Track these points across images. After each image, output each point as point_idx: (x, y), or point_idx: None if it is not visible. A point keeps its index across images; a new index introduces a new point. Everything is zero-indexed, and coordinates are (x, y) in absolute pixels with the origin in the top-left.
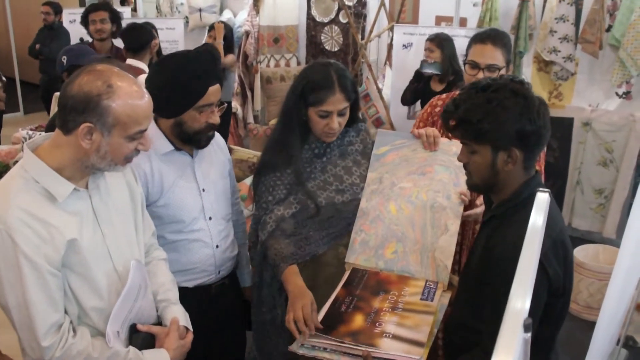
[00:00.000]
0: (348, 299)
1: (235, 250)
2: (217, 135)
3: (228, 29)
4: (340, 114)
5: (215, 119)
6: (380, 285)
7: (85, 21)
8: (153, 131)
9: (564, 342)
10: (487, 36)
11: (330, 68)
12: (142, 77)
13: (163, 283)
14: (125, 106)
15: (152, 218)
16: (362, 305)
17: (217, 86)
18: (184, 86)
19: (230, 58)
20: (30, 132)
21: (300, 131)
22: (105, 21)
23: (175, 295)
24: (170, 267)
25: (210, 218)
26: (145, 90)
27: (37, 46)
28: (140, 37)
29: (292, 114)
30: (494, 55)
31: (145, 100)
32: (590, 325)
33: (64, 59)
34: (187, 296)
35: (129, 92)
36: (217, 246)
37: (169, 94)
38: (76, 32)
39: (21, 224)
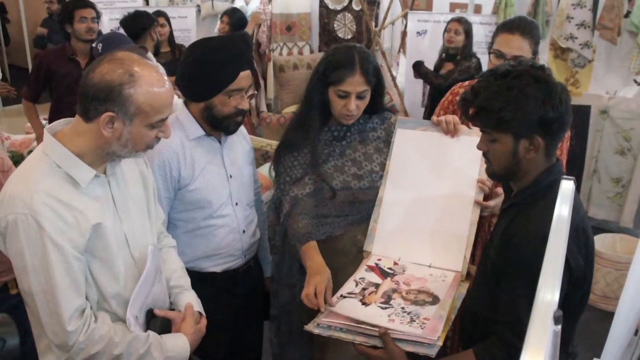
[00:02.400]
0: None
1: (258, 234)
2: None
3: (239, 17)
4: (359, 96)
5: (245, 104)
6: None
7: (68, 17)
8: (184, 116)
9: (579, 332)
10: (515, 26)
11: (355, 50)
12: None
13: (175, 269)
14: (147, 95)
15: (183, 203)
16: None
17: (248, 72)
18: (215, 69)
19: None
20: (44, 122)
21: (321, 112)
22: (95, 20)
23: (187, 281)
24: (198, 253)
25: (236, 204)
26: (166, 77)
27: (43, 30)
28: (137, 23)
29: (314, 94)
30: (521, 46)
31: (166, 88)
32: (607, 315)
33: (99, 47)
34: (216, 280)
35: (151, 80)
36: (243, 231)
37: (200, 77)
38: None
39: (47, 209)
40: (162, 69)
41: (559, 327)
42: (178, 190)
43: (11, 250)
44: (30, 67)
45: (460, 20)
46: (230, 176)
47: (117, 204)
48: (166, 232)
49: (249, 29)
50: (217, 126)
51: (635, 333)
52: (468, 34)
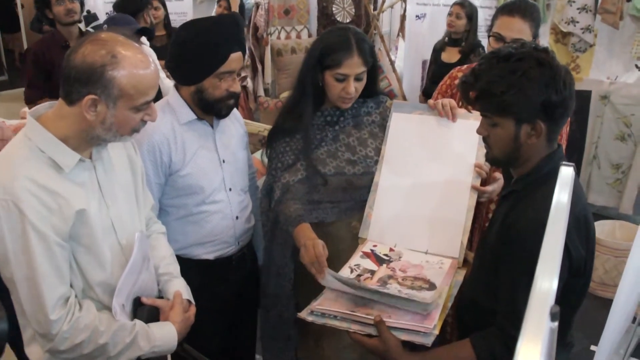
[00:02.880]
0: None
1: (252, 221)
2: (235, 109)
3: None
4: (357, 78)
5: (237, 87)
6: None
7: (46, 3)
8: (175, 100)
9: (578, 319)
10: (515, 8)
11: (349, 32)
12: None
13: (164, 256)
14: (131, 77)
15: (174, 189)
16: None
17: (239, 54)
18: (205, 52)
19: None
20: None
21: (314, 96)
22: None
23: (176, 269)
24: (190, 239)
25: (230, 189)
26: (150, 59)
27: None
28: (129, 6)
29: (307, 79)
30: (521, 29)
31: (151, 70)
32: (605, 303)
33: (105, 28)
34: (209, 268)
35: (134, 62)
36: (236, 217)
37: (190, 59)
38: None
39: (28, 194)
40: (148, 50)
41: (556, 323)
42: (169, 175)
43: None
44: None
45: (462, 4)
46: (223, 161)
47: (103, 190)
48: (155, 218)
49: (219, 10)
50: (209, 110)
51: (633, 320)
52: (471, 18)
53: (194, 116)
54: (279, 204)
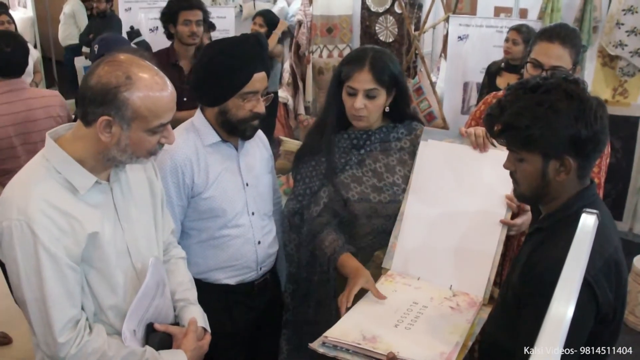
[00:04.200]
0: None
1: (276, 246)
2: (261, 132)
3: (271, 17)
4: (369, 95)
5: (261, 107)
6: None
7: (173, 19)
8: (199, 121)
9: (619, 356)
10: (555, 34)
11: (369, 49)
12: None
13: (181, 282)
14: (145, 99)
15: (197, 212)
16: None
17: (262, 74)
18: (228, 72)
19: (278, 47)
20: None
21: (339, 115)
22: (200, 23)
23: (193, 295)
24: (210, 263)
25: (253, 213)
26: (168, 82)
27: (91, 36)
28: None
29: (332, 95)
30: (560, 56)
31: (167, 93)
32: None
33: (96, 48)
34: (231, 293)
35: (149, 84)
36: (259, 242)
37: (213, 80)
38: (130, 20)
39: (41, 215)
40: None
41: None
42: (191, 197)
43: (6, 258)
44: (54, 58)
45: (519, 30)
46: (247, 184)
47: (119, 212)
48: (175, 242)
49: (253, 27)
50: (233, 131)
51: None
52: (529, 43)
53: (218, 138)
54: (312, 240)
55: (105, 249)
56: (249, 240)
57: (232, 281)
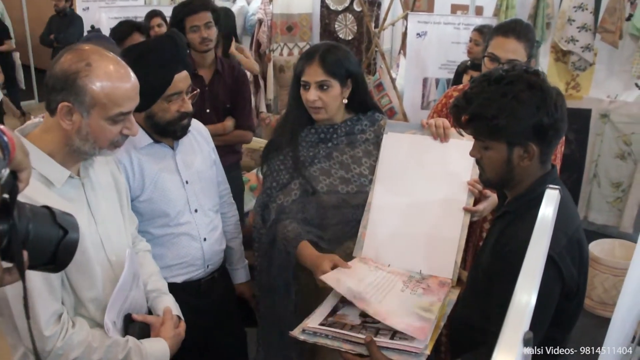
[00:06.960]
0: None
1: (223, 243)
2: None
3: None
4: (320, 86)
5: (187, 106)
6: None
7: (180, 27)
8: None
9: (576, 339)
10: (510, 29)
11: (322, 44)
12: None
13: (152, 273)
14: (104, 86)
15: (137, 214)
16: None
17: (184, 73)
18: (148, 77)
19: (254, 65)
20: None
21: (302, 110)
22: (210, 25)
23: (164, 285)
24: (157, 264)
25: (196, 210)
26: (131, 72)
27: (52, 36)
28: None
29: (294, 92)
30: (515, 49)
31: (127, 82)
32: (604, 322)
33: None
34: (177, 292)
35: (108, 71)
36: (204, 239)
37: None
38: (89, 19)
39: None
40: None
41: (529, 349)
42: (131, 201)
43: None
44: (32, 64)
45: (481, 31)
46: (186, 182)
47: (91, 207)
48: (140, 236)
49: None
50: (163, 133)
51: (632, 340)
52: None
53: (150, 140)
54: (274, 225)
55: (82, 243)
56: (194, 237)
57: (178, 280)
